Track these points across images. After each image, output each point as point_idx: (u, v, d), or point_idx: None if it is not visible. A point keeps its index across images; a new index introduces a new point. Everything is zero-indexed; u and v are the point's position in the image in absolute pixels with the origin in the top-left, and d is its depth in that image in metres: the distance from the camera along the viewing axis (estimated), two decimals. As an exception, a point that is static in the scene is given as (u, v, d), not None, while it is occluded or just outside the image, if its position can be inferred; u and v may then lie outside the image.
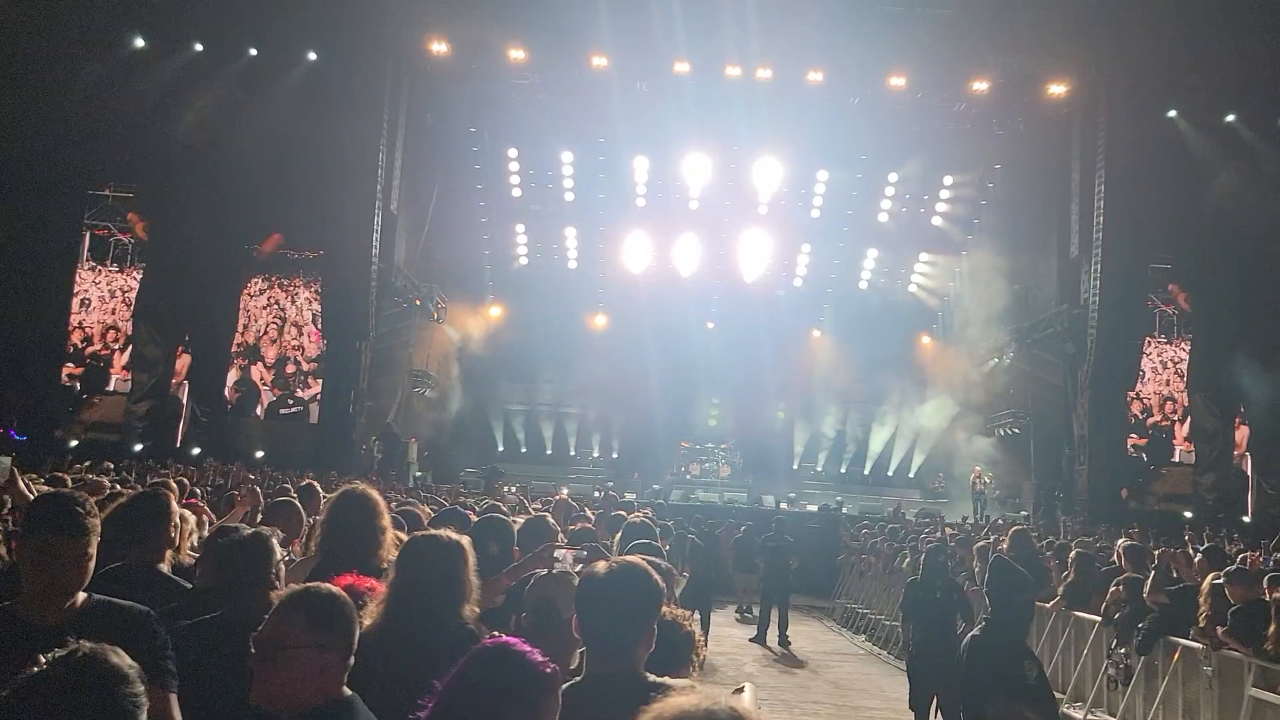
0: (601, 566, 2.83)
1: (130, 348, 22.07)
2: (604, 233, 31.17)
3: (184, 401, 22.20)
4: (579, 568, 3.33)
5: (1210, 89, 21.84)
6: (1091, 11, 22.04)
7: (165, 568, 4.23)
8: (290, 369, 22.74)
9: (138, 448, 20.52)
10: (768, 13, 21.49)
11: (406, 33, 22.85)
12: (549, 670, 2.18)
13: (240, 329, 22.62)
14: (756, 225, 30.25)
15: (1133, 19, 21.32)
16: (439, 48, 23.22)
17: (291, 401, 22.57)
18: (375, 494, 4.33)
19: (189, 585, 4.06)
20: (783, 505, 24.17)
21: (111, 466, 13.55)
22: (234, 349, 22.51)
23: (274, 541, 3.59)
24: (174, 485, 5.73)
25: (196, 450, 20.76)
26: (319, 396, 22.65)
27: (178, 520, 4.60)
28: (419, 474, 24.24)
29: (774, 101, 24.38)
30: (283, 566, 3.55)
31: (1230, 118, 22.39)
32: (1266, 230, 21.46)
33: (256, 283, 22.93)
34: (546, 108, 26.01)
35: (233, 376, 22.50)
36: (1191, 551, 11.08)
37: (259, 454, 20.93)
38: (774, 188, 28.82)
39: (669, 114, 25.07)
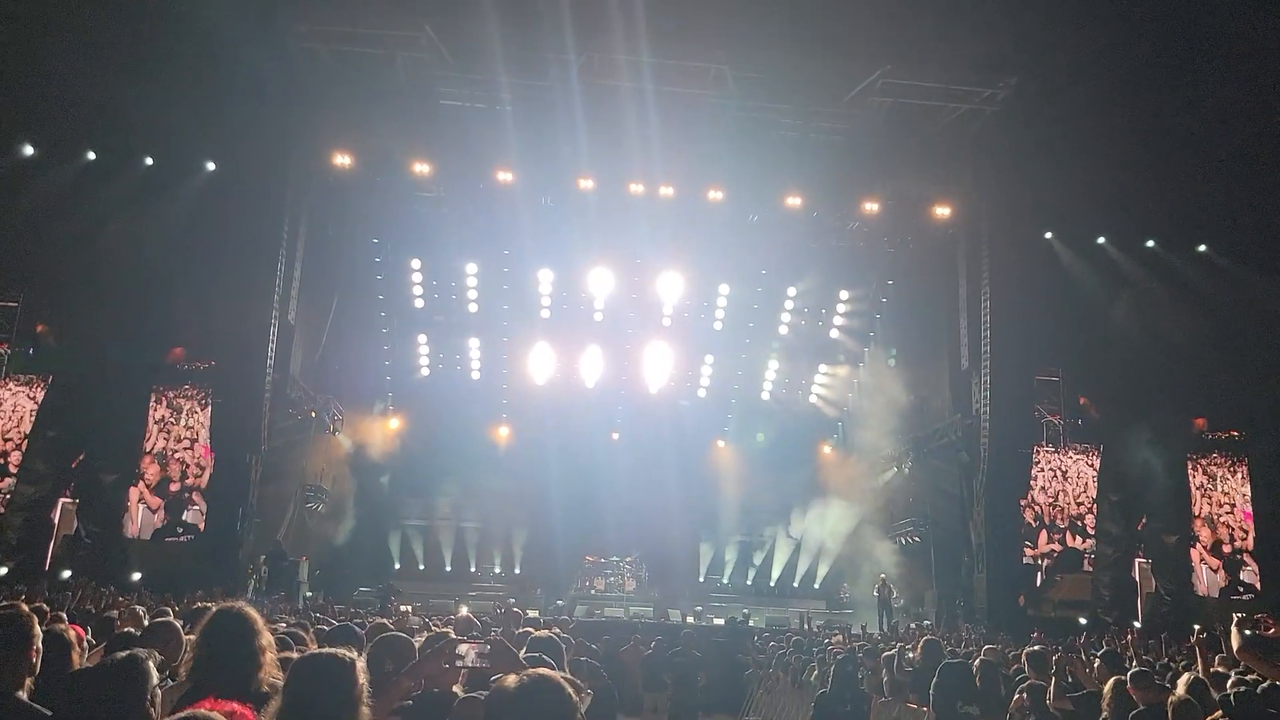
0: (512, 680, 2.66)
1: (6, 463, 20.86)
2: (508, 344, 31.09)
3: (55, 521, 20.90)
4: (482, 663, 3.17)
5: (1082, 213, 23.45)
6: (970, 140, 23.51)
7: (24, 695, 3.84)
8: (174, 486, 21.65)
9: (1, 571, 19.10)
10: (669, 134, 22.24)
11: (309, 145, 22.78)
12: None
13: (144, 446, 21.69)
14: (660, 337, 30.65)
15: (1007, 148, 22.82)
16: (342, 160, 23.21)
17: (180, 530, 21.41)
18: (252, 612, 4.02)
19: (49, 714, 3.69)
20: (689, 619, 23.78)
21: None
22: (141, 468, 21.52)
23: (150, 665, 3.30)
24: (24, 609, 5.26)
25: (66, 573, 19.42)
26: (204, 514, 21.56)
27: (40, 645, 4.21)
28: (310, 594, 23.10)
29: (676, 218, 25.07)
30: (159, 692, 3.25)
31: (1101, 239, 24.01)
32: (1145, 342, 22.88)
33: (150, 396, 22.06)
34: (451, 220, 26.12)
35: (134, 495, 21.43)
36: (1086, 656, 11.22)
37: (135, 576, 19.70)
38: (677, 300, 29.39)
39: (573, 228, 25.48)
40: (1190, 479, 23.99)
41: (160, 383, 22.08)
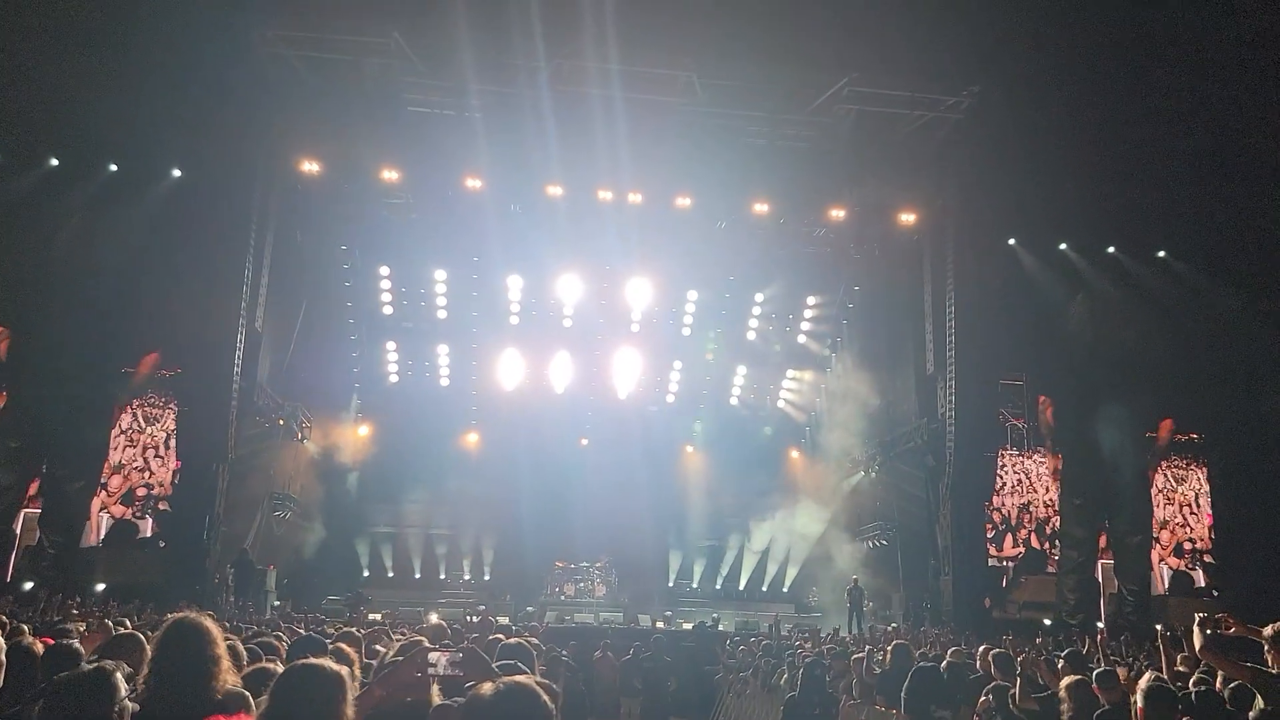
0: (488, 687, 2.68)
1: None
2: (477, 350, 30.99)
3: (17, 532, 20.54)
4: (454, 671, 3.19)
5: (1044, 219, 23.80)
6: (934, 147, 23.78)
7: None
8: (140, 493, 21.36)
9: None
10: (638, 141, 22.30)
11: (276, 151, 22.60)
12: None
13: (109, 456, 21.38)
14: (629, 343, 30.70)
15: (971, 155, 23.10)
16: (310, 167, 23.05)
17: (162, 542, 21.12)
18: (208, 622, 4.01)
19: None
20: (659, 624, 23.80)
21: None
22: (103, 476, 21.20)
23: (118, 677, 3.28)
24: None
25: (29, 585, 19.11)
26: (171, 523, 21.28)
27: (1, 659, 4.19)
28: (278, 603, 22.87)
29: (645, 224, 25.12)
30: (128, 704, 3.24)
31: (1063, 246, 24.38)
32: (1106, 347, 23.26)
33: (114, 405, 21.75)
34: (419, 227, 26.04)
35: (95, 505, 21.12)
36: (1049, 656, 11.36)
37: (99, 587, 19.41)
38: (646, 306, 29.45)
39: (542, 234, 25.45)
40: (1151, 482, 24.39)
41: (125, 391, 21.79)
